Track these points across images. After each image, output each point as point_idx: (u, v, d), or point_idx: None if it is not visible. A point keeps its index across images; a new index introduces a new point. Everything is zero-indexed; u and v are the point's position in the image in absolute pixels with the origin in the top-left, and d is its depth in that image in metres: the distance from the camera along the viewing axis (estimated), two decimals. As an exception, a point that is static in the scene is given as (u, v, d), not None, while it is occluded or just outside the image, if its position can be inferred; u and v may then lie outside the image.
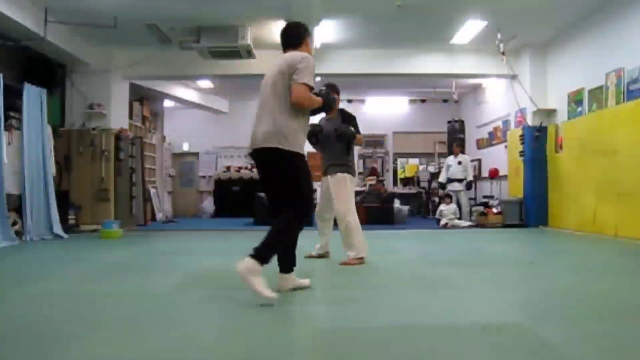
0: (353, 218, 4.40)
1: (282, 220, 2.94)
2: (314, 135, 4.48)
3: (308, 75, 2.96)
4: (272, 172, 3.03)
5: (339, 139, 4.44)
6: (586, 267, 4.48)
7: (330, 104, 3.35)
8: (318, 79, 10.46)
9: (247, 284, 2.74)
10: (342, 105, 5.00)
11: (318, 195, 4.70)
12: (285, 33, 3.28)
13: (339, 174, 4.47)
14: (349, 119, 4.62)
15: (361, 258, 4.36)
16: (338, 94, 4.51)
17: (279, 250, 2.97)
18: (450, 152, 10.27)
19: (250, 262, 2.75)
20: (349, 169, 4.51)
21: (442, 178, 9.86)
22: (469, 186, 9.61)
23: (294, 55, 3.06)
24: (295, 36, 3.24)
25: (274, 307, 2.87)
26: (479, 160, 11.51)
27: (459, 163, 9.60)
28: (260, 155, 3.01)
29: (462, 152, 10.11)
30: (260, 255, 2.78)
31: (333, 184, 4.45)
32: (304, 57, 3.03)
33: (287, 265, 3.18)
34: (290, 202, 2.97)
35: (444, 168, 9.94)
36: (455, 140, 10.64)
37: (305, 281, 3.25)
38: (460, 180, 9.53)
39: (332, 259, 4.63)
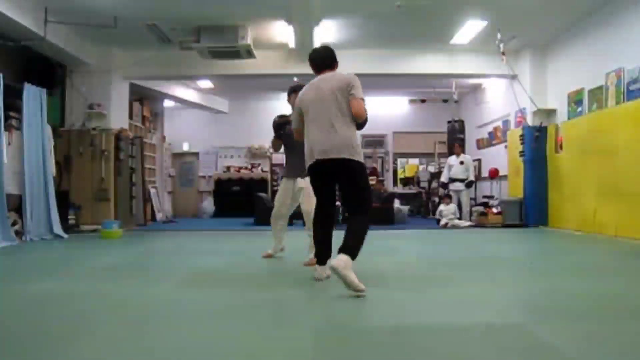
0: None
1: (362, 222, 3.32)
2: (283, 125, 4.45)
3: (361, 91, 3.40)
4: (344, 180, 3.40)
5: None
6: (586, 267, 4.47)
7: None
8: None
9: (342, 276, 3.00)
10: None
11: (278, 195, 4.70)
12: (321, 56, 3.68)
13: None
14: None
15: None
16: None
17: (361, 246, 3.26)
18: (451, 152, 10.27)
19: (345, 258, 3.06)
20: None
21: (444, 178, 9.86)
22: (469, 185, 9.62)
23: (345, 75, 3.47)
24: (331, 59, 3.67)
25: (273, 307, 2.87)
26: (479, 160, 11.51)
27: (461, 163, 9.60)
28: (333, 165, 3.34)
29: (463, 152, 10.11)
30: (354, 252, 3.15)
31: (307, 186, 4.37)
32: (354, 76, 3.45)
33: (326, 258, 3.52)
34: (361, 204, 3.38)
35: (445, 168, 9.92)
36: (456, 140, 10.63)
37: (329, 271, 3.49)
38: (462, 180, 9.53)
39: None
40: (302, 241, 4.71)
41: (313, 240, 3.76)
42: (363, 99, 3.39)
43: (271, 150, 4.91)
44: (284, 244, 4.86)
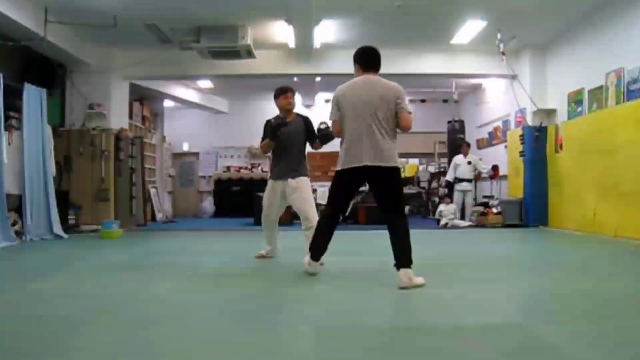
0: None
1: (403, 226, 3.44)
2: (279, 127, 4.37)
3: (408, 104, 3.55)
4: (388, 184, 3.51)
5: (325, 139, 4.32)
6: (586, 267, 4.48)
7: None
8: (318, 79, 10.50)
9: (413, 286, 3.25)
10: None
11: (266, 197, 4.62)
12: (373, 56, 3.66)
13: (305, 177, 4.48)
14: (310, 122, 4.62)
15: None
16: (294, 95, 4.62)
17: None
18: (452, 153, 10.26)
19: (407, 273, 3.27)
20: (307, 172, 4.57)
21: (449, 176, 9.79)
22: (494, 169, 9.54)
23: (394, 85, 3.54)
24: (379, 62, 3.67)
25: (273, 307, 2.88)
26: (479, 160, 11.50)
27: (469, 163, 9.56)
28: (378, 171, 3.45)
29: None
30: (410, 261, 3.31)
31: (301, 187, 4.42)
32: (402, 89, 3.55)
33: (321, 255, 3.72)
34: (398, 205, 3.51)
35: (451, 166, 9.82)
36: (458, 140, 10.62)
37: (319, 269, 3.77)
38: (469, 180, 9.52)
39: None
40: (300, 241, 4.70)
41: (313, 236, 3.76)
42: (410, 112, 3.55)
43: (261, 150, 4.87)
44: (277, 246, 4.84)
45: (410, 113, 3.53)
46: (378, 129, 3.43)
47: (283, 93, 4.58)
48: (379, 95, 3.45)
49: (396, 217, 3.46)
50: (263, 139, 4.56)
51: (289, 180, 4.44)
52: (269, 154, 4.76)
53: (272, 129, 4.39)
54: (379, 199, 3.59)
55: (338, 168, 3.58)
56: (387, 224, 3.48)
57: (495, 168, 9.62)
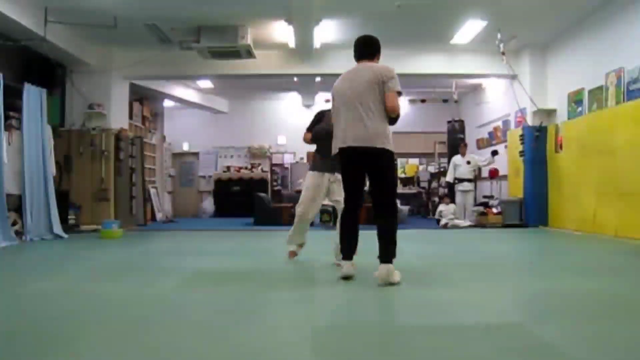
0: None
1: (391, 221, 3.46)
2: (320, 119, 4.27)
3: (398, 84, 3.44)
4: (376, 167, 3.44)
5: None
6: (586, 267, 4.47)
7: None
8: (318, 79, 10.50)
9: (390, 281, 3.30)
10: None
11: (307, 194, 4.31)
12: (365, 44, 3.66)
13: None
14: None
15: None
16: None
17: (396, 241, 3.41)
18: (452, 153, 10.25)
19: (388, 267, 3.32)
20: None
21: (449, 177, 9.78)
22: (494, 153, 9.48)
23: (381, 67, 3.50)
24: (374, 49, 3.66)
25: (272, 307, 2.88)
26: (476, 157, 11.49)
27: (468, 163, 9.55)
28: (364, 152, 3.39)
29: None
30: (391, 256, 3.36)
31: (339, 182, 4.13)
32: (391, 69, 3.48)
33: (354, 253, 3.66)
34: (389, 193, 3.48)
35: (450, 167, 9.79)
36: (457, 140, 10.62)
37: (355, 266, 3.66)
38: (470, 180, 9.51)
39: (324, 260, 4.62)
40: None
41: (339, 235, 3.72)
42: (400, 92, 3.45)
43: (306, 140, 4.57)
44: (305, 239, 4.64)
45: (400, 93, 3.45)
46: (366, 113, 3.39)
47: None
48: (366, 81, 3.43)
49: (383, 209, 3.45)
50: (309, 129, 4.31)
51: (335, 174, 4.18)
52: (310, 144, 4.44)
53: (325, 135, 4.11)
54: (371, 186, 3.54)
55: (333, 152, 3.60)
56: (375, 215, 3.45)
57: (494, 153, 9.48)
